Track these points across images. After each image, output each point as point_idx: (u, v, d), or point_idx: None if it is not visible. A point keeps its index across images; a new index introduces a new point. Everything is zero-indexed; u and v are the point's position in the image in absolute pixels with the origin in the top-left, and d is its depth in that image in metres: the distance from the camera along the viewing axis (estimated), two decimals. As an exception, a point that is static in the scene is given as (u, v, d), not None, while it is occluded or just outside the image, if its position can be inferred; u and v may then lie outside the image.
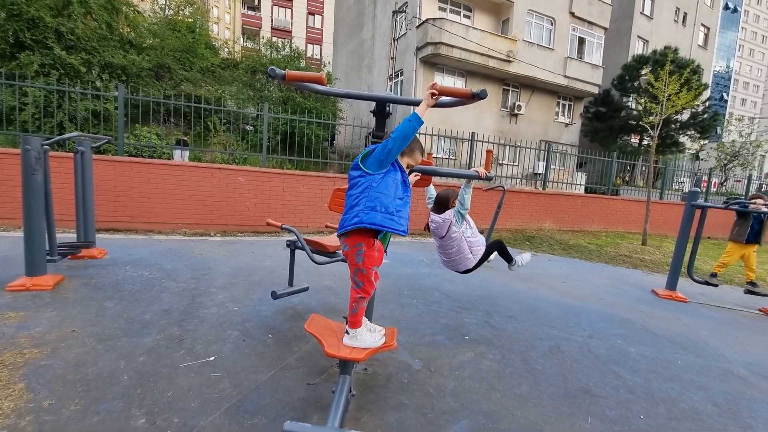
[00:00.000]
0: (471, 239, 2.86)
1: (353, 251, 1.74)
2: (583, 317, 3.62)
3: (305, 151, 8.55)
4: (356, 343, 1.79)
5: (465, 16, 17.44)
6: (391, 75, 17.63)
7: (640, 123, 9.59)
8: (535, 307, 3.78)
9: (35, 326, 2.51)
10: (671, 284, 4.65)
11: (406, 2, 16.82)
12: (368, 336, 1.83)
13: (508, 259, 3.24)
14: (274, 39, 20.43)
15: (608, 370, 2.61)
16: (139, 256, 4.33)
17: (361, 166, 1.74)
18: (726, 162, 23.09)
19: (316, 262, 2.68)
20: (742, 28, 57.38)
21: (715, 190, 20.84)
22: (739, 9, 52.51)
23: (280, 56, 17.51)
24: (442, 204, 2.84)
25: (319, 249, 2.84)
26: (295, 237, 2.72)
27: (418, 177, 2.17)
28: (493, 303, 3.76)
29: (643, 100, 8.96)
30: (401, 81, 17.20)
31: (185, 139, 10.28)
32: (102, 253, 4.21)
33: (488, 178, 2.35)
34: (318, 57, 38.47)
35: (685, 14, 24.19)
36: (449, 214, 2.76)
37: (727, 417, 2.20)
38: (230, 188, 6.31)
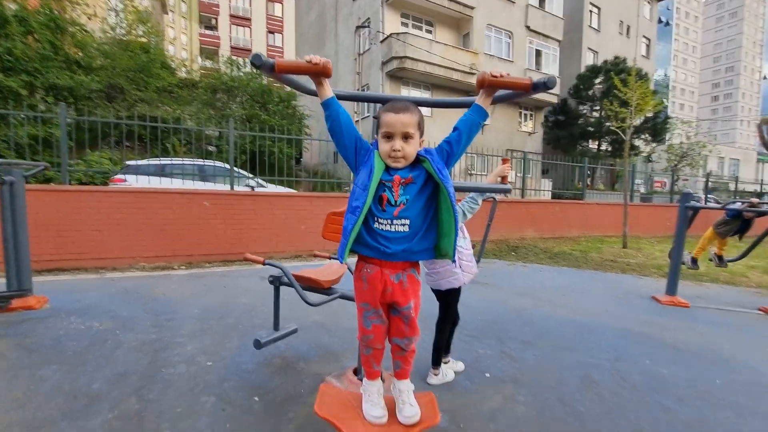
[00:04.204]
0: (464, 250, 2.35)
1: None
2: (599, 336, 3.34)
3: (273, 169, 8.02)
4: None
5: (427, 30, 17.69)
6: (358, 90, 17.45)
7: (607, 127, 9.82)
8: (546, 328, 3.47)
9: (-64, 418, 1.88)
10: (671, 290, 4.52)
11: (369, 18, 16.83)
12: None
13: (446, 351, 2.50)
14: (234, 57, 19.79)
15: (653, 401, 2.30)
16: (87, 302, 3.65)
17: None
18: (676, 162, 24.61)
19: (309, 304, 2.21)
20: (675, 39, 62.76)
21: (667, 189, 21.99)
22: (671, 23, 57.45)
23: (242, 73, 16.89)
24: None
25: (311, 285, 2.38)
26: (281, 272, 2.26)
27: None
28: (503, 328, 3.41)
29: (612, 105, 9.18)
30: (369, 95, 17.05)
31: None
32: (41, 301, 3.51)
33: (508, 190, 2.03)
34: (280, 75, 37.93)
35: (629, 27, 25.91)
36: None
37: (798, 448, 1.93)
38: (194, 214, 5.68)
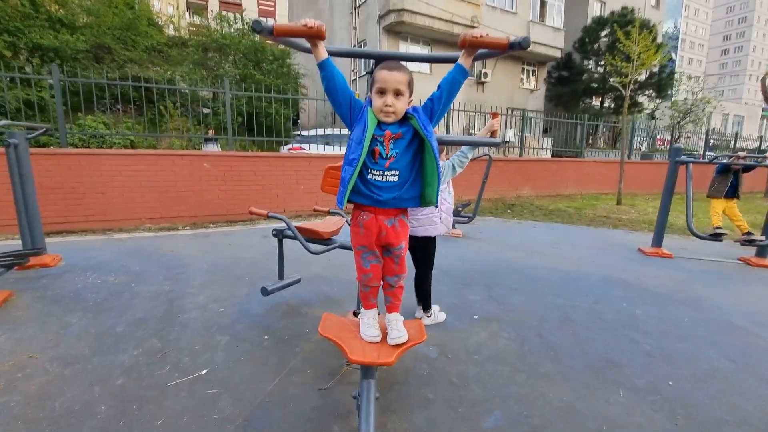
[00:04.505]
0: (447, 204, 2.53)
1: None
2: (582, 282, 3.58)
3: (270, 131, 7.99)
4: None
5: (426, -20, 16.74)
6: (354, 46, 16.86)
7: (609, 83, 9.65)
8: (534, 276, 3.70)
9: (-19, 355, 2.11)
10: (657, 241, 4.73)
11: (365, -33, 15.93)
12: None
13: (428, 302, 2.65)
14: (224, 13, 18.91)
15: (621, 335, 2.55)
16: (100, 260, 3.86)
17: None
18: (679, 120, 24.22)
19: (311, 252, 2.39)
20: (687, -13, 59.35)
21: (665, 147, 21.85)
22: (684, -31, 54.06)
23: (233, 30, 16.24)
24: None
25: (312, 237, 2.56)
26: (284, 224, 2.42)
27: None
28: (493, 276, 3.64)
29: (614, 60, 8.96)
30: (365, 52, 16.49)
31: (213, 134, 9.17)
32: (55, 259, 3.71)
33: (503, 143, 2.14)
34: (273, 31, 36.33)
35: (639, -26, 24.48)
36: (440, 163, 2.41)
37: (747, 372, 2.18)
38: (195, 176, 5.78)
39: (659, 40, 20.65)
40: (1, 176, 4.30)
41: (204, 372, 1.99)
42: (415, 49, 16.28)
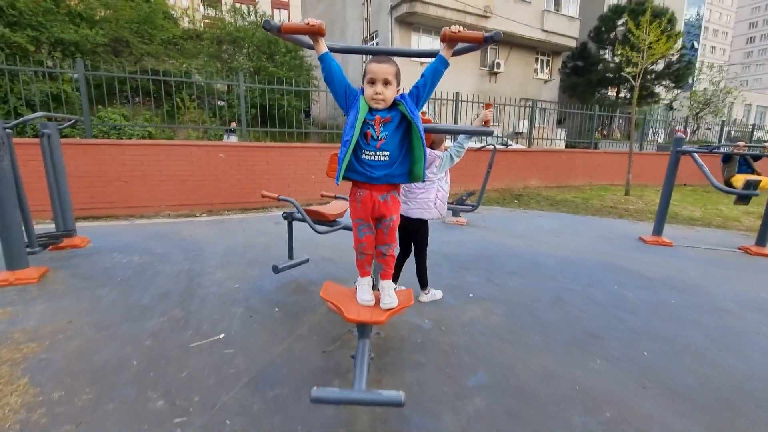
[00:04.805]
0: (444, 192, 2.65)
1: None
2: (580, 268, 3.71)
3: (283, 123, 8.22)
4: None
5: (438, -30, 16.62)
6: (366, 37, 16.93)
7: (621, 73, 9.55)
8: (533, 262, 3.85)
9: (27, 320, 2.39)
10: (657, 230, 4.80)
11: (376, -43, 15.90)
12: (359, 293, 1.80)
13: (424, 280, 2.80)
14: (238, 5, 19.12)
15: (609, 315, 2.70)
16: (124, 242, 4.16)
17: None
18: (698, 110, 23.59)
19: (318, 232, 2.61)
20: (713, -28, 57.08)
21: (687, 138, 21.35)
22: (710, -48, 51.94)
23: (246, 23, 16.46)
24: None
25: (319, 219, 2.76)
26: (293, 208, 2.63)
27: None
28: (493, 261, 3.80)
29: (624, 50, 8.87)
30: (377, 43, 16.53)
31: (235, 126, 9.51)
32: (84, 241, 4.02)
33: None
34: (285, 22, 36.49)
35: (660, -41, 23.71)
36: (435, 152, 2.58)
37: (723, 349, 2.32)
38: (212, 166, 6.05)
39: (678, 28, 20.04)
40: (31, 165, 4.62)
41: (221, 336, 2.23)
42: (426, 39, 16.26)
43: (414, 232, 2.67)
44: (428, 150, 2.50)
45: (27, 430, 1.52)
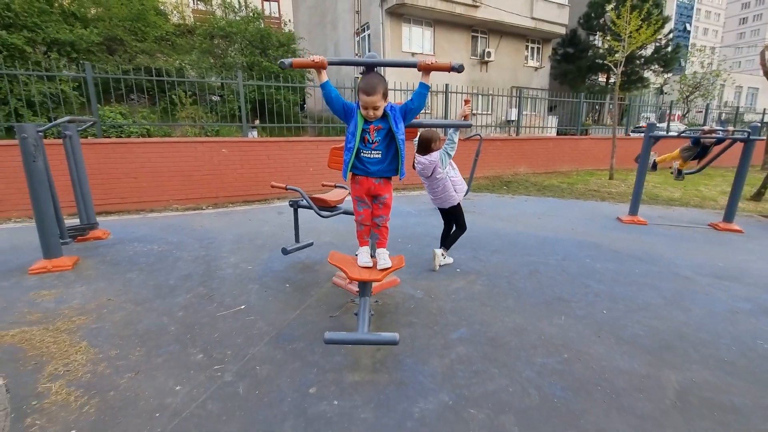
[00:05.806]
0: (454, 179, 3.23)
1: None
2: (557, 245, 4.11)
3: (279, 118, 8.51)
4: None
5: (428, -40, 16.71)
6: (358, 30, 17.07)
7: (605, 62, 9.86)
8: (515, 241, 4.24)
9: (72, 300, 2.75)
10: (633, 210, 5.19)
11: (366, -51, 15.96)
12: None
13: (449, 244, 3.46)
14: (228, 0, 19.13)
15: (578, 282, 3.10)
16: (142, 233, 4.51)
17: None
18: (688, 94, 23.93)
19: (322, 216, 2.98)
20: (705, -47, 56.85)
21: (677, 122, 21.73)
22: (701, -67, 51.71)
23: (238, 18, 16.56)
24: (424, 145, 3.08)
25: (322, 205, 3.13)
26: (299, 196, 2.99)
27: None
28: (479, 241, 4.19)
29: (607, 39, 9.16)
30: (368, 35, 16.70)
31: (257, 122, 9.79)
32: (106, 233, 4.36)
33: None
34: (276, 15, 36.24)
35: (649, -57, 23.78)
36: (435, 155, 3.04)
37: (673, 306, 2.72)
38: (215, 161, 6.37)
39: (667, 13, 20.26)
40: (53, 163, 4.91)
41: (243, 307, 2.61)
42: (417, 30, 16.45)
43: (453, 215, 3.39)
44: (427, 158, 2.97)
45: (96, 377, 1.90)
